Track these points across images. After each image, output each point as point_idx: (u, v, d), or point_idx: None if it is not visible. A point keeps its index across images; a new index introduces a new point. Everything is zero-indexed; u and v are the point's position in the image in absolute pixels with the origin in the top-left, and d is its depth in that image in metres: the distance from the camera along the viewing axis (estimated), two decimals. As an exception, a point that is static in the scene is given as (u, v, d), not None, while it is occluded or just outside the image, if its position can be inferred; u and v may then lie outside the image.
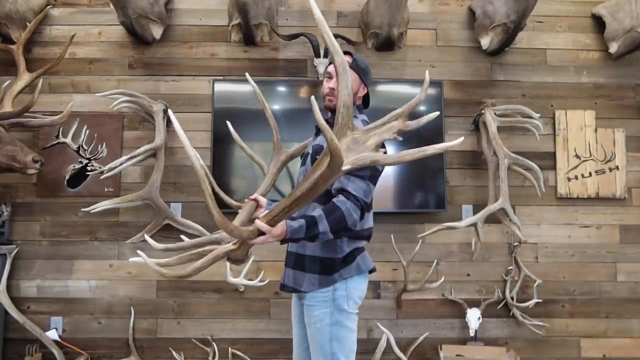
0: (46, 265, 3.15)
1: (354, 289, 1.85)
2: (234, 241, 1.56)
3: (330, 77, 1.92)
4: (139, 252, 1.43)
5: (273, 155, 2.15)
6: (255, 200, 1.89)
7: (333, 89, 1.88)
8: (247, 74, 2.16)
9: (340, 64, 1.31)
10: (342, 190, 1.69)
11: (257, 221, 1.47)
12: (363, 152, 1.35)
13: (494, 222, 3.10)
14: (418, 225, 3.20)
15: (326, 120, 1.59)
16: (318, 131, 1.96)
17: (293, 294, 1.98)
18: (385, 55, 3.34)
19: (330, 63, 1.99)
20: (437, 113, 1.41)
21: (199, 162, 1.34)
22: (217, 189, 2.36)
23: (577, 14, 3.42)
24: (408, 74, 3.33)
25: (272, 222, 1.47)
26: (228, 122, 2.29)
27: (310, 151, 1.94)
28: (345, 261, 1.83)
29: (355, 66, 1.90)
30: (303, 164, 2.00)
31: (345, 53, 1.86)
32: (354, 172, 1.67)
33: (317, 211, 1.64)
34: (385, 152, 1.55)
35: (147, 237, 1.57)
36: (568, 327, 3.22)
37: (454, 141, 1.38)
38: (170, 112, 1.63)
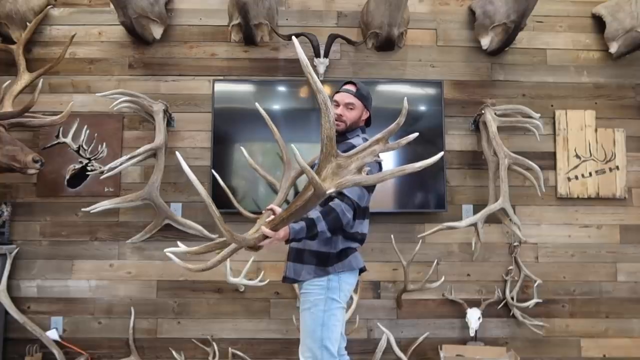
0: (46, 265, 3.16)
1: (345, 282, 2.07)
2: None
3: (337, 105, 2.16)
4: (172, 251, 1.70)
5: (284, 172, 2.34)
6: (272, 210, 2.07)
7: (341, 115, 2.13)
8: (257, 103, 2.33)
9: (323, 101, 1.48)
10: (339, 194, 1.93)
11: (262, 227, 1.73)
12: (346, 176, 1.57)
13: (494, 222, 3.10)
14: (418, 225, 3.20)
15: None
16: None
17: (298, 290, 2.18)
18: (385, 55, 3.34)
19: (337, 91, 2.22)
20: (417, 134, 1.58)
21: (205, 193, 1.56)
22: (236, 204, 2.42)
23: (577, 14, 3.42)
24: (408, 74, 3.33)
25: (275, 228, 1.73)
26: (242, 148, 2.47)
27: (317, 162, 2.12)
28: (339, 257, 2.05)
29: (359, 95, 2.16)
30: None
31: (350, 83, 2.20)
32: None
33: (315, 213, 1.89)
34: (379, 162, 1.96)
35: (179, 244, 1.77)
36: (568, 327, 3.22)
37: (432, 158, 1.52)
38: (178, 155, 1.66)
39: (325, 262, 2.04)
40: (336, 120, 2.12)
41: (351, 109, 2.14)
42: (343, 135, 2.15)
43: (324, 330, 1.99)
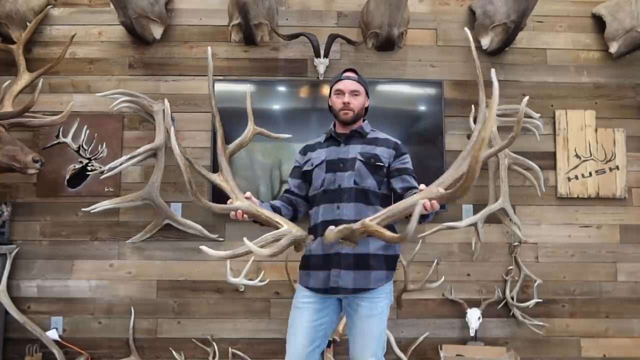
0: (46, 265, 3.16)
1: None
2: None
3: (342, 93, 2.08)
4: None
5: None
6: (250, 198, 1.88)
7: (348, 103, 2.05)
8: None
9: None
10: (414, 187, 1.96)
11: (440, 189, 1.64)
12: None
13: (494, 222, 3.10)
14: (418, 225, 3.18)
15: (345, 134, 2.10)
16: (339, 141, 2.12)
17: (318, 295, 2.01)
18: (385, 55, 3.34)
19: (338, 79, 2.14)
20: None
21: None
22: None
23: (577, 14, 3.43)
24: (408, 74, 3.33)
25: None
26: (166, 100, 2.15)
27: (360, 158, 2.03)
28: (397, 260, 2.07)
29: (362, 81, 2.12)
30: (339, 170, 2.03)
31: (349, 70, 2.13)
32: (412, 173, 2.04)
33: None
34: None
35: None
36: (568, 327, 3.22)
37: None
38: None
39: (393, 265, 2.02)
40: (344, 109, 2.06)
41: (356, 95, 2.08)
42: (351, 127, 2.10)
43: (384, 334, 2.01)
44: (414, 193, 1.86)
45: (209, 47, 2.00)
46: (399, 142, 2.11)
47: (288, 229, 1.72)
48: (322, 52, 3.16)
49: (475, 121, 3.23)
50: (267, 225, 1.83)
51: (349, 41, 3.22)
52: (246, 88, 3.24)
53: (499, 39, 3.18)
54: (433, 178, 1.78)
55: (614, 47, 3.26)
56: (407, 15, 3.26)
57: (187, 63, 3.32)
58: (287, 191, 2.16)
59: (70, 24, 3.31)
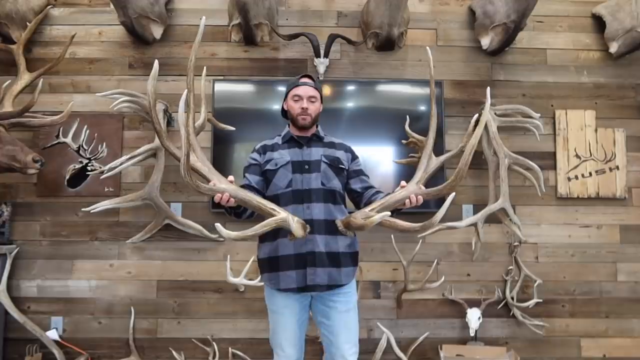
0: (46, 265, 3.16)
1: None
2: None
3: (300, 99, 2.14)
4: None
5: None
6: (232, 181, 1.91)
7: (306, 108, 2.12)
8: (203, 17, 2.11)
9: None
10: (372, 187, 2.16)
11: (421, 186, 2.01)
12: None
13: (494, 222, 3.10)
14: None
15: (306, 137, 2.17)
16: (301, 143, 2.18)
17: (294, 295, 2.08)
18: (385, 55, 3.34)
19: (297, 85, 2.18)
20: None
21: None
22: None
23: (577, 14, 3.43)
24: (408, 74, 3.33)
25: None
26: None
27: (325, 160, 2.12)
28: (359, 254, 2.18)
29: (318, 87, 2.20)
30: (305, 171, 2.09)
31: (306, 76, 2.19)
32: (366, 174, 2.22)
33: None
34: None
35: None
36: (568, 327, 3.22)
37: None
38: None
39: (356, 262, 2.12)
40: (302, 114, 2.12)
41: (313, 101, 2.15)
42: (309, 131, 2.18)
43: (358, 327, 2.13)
44: (375, 192, 2.06)
45: (203, 17, 1.94)
46: (339, 144, 2.24)
47: (290, 216, 1.78)
48: (322, 52, 3.16)
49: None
50: (258, 212, 1.82)
51: (349, 41, 3.22)
52: (246, 88, 3.24)
53: (499, 39, 3.18)
54: (433, 178, 1.88)
55: (614, 47, 3.26)
56: (407, 15, 3.26)
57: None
58: (246, 186, 2.10)
59: (70, 24, 3.31)
